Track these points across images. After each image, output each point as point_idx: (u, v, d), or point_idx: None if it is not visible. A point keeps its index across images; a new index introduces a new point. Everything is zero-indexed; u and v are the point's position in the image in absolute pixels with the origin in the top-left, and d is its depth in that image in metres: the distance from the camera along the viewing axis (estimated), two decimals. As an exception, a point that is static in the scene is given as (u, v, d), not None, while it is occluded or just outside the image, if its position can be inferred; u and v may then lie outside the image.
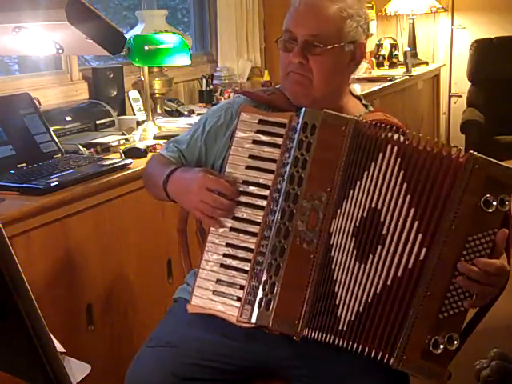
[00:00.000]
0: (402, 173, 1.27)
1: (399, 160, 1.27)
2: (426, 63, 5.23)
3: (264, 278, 1.28)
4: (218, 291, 1.33)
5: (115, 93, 2.81)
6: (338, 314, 1.28)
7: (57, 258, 1.82)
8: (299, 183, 1.28)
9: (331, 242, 1.28)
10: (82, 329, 1.91)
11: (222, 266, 1.34)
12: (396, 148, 1.28)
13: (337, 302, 1.28)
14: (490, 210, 1.24)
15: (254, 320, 1.28)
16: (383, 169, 1.28)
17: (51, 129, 2.21)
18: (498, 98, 4.73)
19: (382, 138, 1.29)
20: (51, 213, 1.78)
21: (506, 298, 1.35)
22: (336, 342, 1.28)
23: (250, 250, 1.32)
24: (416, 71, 4.79)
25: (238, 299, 1.31)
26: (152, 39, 2.60)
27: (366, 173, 1.28)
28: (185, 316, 1.38)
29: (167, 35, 2.67)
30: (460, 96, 5.37)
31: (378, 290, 1.27)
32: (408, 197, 1.27)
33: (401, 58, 5.11)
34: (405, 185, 1.27)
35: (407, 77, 4.58)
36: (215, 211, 1.32)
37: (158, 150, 2.28)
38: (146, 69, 2.64)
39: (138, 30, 2.95)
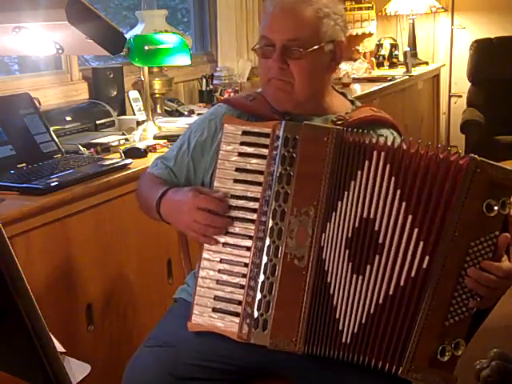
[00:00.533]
0: (393, 179, 1.24)
1: (388, 166, 1.25)
2: (426, 63, 5.22)
3: (258, 298, 1.28)
4: (216, 308, 1.33)
5: (115, 93, 2.81)
6: (340, 328, 1.27)
7: (57, 257, 1.83)
8: (285, 199, 1.27)
9: (324, 257, 1.26)
10: (82, 329, 1.91)
11: (218, 282, 1.33)
12: (383, 154, 1.25)
13: (337, 315, 1.27)
14: (492, 214, 1.22)
15: (252, 341, 1.28)
16: (371, 177, 1.25)
17: (51, 129, 2.21)
18: (498, 98, 4.73)
19: (366, 144, 1.26)
20: (51, 213, 1.78)
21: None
22: (340, 355, 1.27)
23: (245, 265, 1.32)
24: (416, 71, 4.79)
25: (237, 315, 1.31)
26: (152, 39, 2.60)
27: (352, 182, 1.26)
28: (184, 316, 1.38)
29: (167, 35, 2.67)
30: (460, 96, 5.37)
31: (381, 301, 1.25)
32: (403, 204, 1.24)
33: (401, 58, 5.11)
34: (398, 191, 1.24)
35: (407, 77, 4.58)
36: (208, 229, 1.32)
37: (157, 150, 2.29)
38: (145, 69, 2.64)
39: (138, 29, 2.95)
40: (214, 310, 1.33)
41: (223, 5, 3.60)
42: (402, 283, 1.24)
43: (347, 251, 1.26)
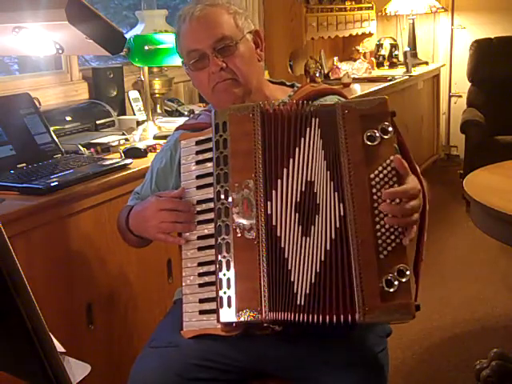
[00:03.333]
0: (321, 141, 1.32)
1: (320, 130, 1.32)
2: (426, 63, 5.23)
3: (219, 277, 1.29)
4: (203, 310, 1.35)
5: (115, 93, 2.82)
6: (295, 291, 1.28)
7: (57, 257, 1.83)
8: (225, 179, 1.32)
9: (274, 223, 1.30)
10: (82, 328, 1.91)
11: (200, 286, 1.36)
12: (318, 120, 1.32)
13: (292, 278, 1.29)
14: (377, 143, 1.28)
15: (221, 320, 1.28)
16: (311, 142, 1.32)
17: (51, 129, 2.21)
18: (498, 98, 4.73)
19: (305, 112, 1.33)
20: (51, 213, 1.78)
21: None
22: (297, 318, 1.27)
23: None
24: (416, 71, 4.79)
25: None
26: (152, 39, 2.60)
27: (297, 149, 1.32)
28: (184, 317, 1.38)
29: (167, 35, 2.67)
30: (460, 96, 5.37)
31: (323, 258, 1.29)
32: (325, 162, 1.31)
33: (401, 58, 5.11)
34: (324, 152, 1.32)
35: (407, 77, 4.59)
36: (176, 226, 1.38)
37: (157, 150, 2.29)
38: (145, 69, 2.64)
39: (137, 30, 2.95)
40: (201, 312, 1.35)
41: (223, 5, 3.59)
42: (333, 236, 1.29)
43: (297, 214, 1.30)
